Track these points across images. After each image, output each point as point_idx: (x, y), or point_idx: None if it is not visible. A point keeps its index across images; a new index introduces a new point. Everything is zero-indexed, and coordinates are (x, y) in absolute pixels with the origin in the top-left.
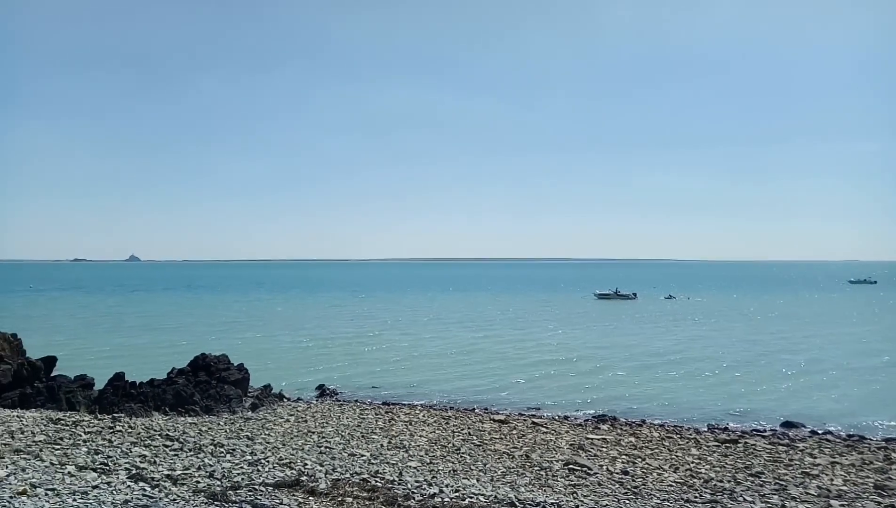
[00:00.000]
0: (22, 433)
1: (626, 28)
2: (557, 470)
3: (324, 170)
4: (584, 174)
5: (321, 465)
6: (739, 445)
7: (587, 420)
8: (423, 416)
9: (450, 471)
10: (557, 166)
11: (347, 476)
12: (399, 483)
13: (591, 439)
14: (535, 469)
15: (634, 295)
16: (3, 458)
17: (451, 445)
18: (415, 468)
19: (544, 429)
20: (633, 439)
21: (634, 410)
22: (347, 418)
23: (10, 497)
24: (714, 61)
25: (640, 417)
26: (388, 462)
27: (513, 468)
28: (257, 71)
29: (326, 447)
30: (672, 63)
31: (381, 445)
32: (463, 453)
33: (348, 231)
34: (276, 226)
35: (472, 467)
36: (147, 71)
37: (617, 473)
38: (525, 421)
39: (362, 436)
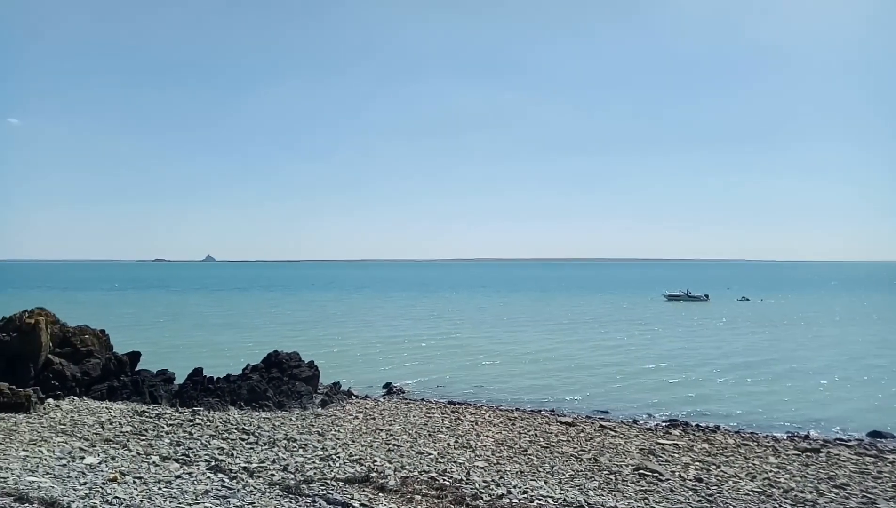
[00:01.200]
0: (111, 423)
1: (695, 25)
2: (627, 475)
3: (388, 172)
4: (649, 174)
5: (390, 462)
6: (822, 454)
7: (657, 424)
8: (489, 417)
9: (517, 472)
10: (621, 166)
11: (416, 473)
12: (467, 483)
13: (662, 444)
14: (605, 473)
15: (706, 296)
16: (95, 446)
17: (517, 446)
18: (482, 468)
19: (613, 433)
20: (706, 445)
21: (707, 415)
22: (414, 416)
23: (103, 483)
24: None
25: (714, 423)
26: (455, 462)
27: (581, 471)
28: (324, 75)
29: (394, 444)
30: (746, 58)
31: (448, 444)
32: (530, 454)
33: (413, 231)
34: (344, 227)
35: (540, 469)
36: (219, 79)
37: (690, 480)
38: (592, 424)
39: (429, 435)
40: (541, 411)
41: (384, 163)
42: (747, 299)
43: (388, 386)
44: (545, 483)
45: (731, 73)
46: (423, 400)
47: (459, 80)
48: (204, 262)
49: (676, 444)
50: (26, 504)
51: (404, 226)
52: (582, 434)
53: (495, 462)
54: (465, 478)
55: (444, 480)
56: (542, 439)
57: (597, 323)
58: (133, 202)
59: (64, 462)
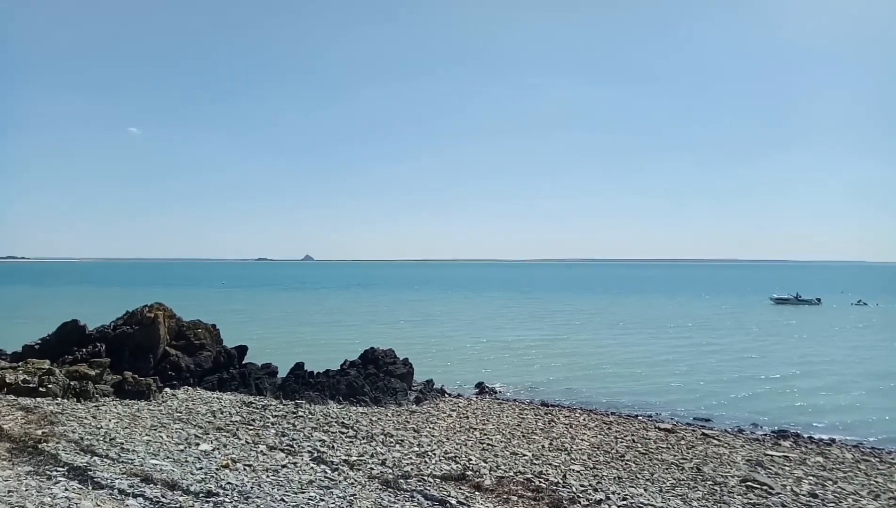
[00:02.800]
0: (222, 413)
1: (799, 15)
2: (734, 487)
3: (483, 172)
4: (753, 173)
5: (485, 461)
6: None
7: (765, 435)
8: (584, 420)
9: (615, 478)
10: (722, 164)
11: (511, 474)
12: (563, 486)
13: (771, 455)
14: (708, 483)
15: (818, 300)
16: (209, 434)
17: (614, 451)
18: (578, 471)
19: (716, 442)
20: (820, 459)
21: (821, 427)
22: (507, 417)
23: (217, 469)
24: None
25: (829, 436)
26: (550, 464)
27: (683, 480)
28: (417, 76)
29: (489, 444)
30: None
31: (543, 446)
32: (628, 460)
33: (504, 231)
34: (437, 226)
35: (639, 475)
36: (316, 82)
37: (804, 495)
38: (694, 431)
39: (523, 436)
40: (637, 416)
41: (477, 162)
42: (864, 303)
43: (480, 385)
44: (645, 490)
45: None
46: (515, 400)
47: (550, 78)
48: (303, 261)
49: (787, 456)
50: (150, 485)
51: (495, 226)
52: (682, 442)
53: (592, 466)
54: (561, 481)
55: (540, 482)
56: (639, 445)
57: (700, 327)
58: (238, 204)
59: (181, 447)
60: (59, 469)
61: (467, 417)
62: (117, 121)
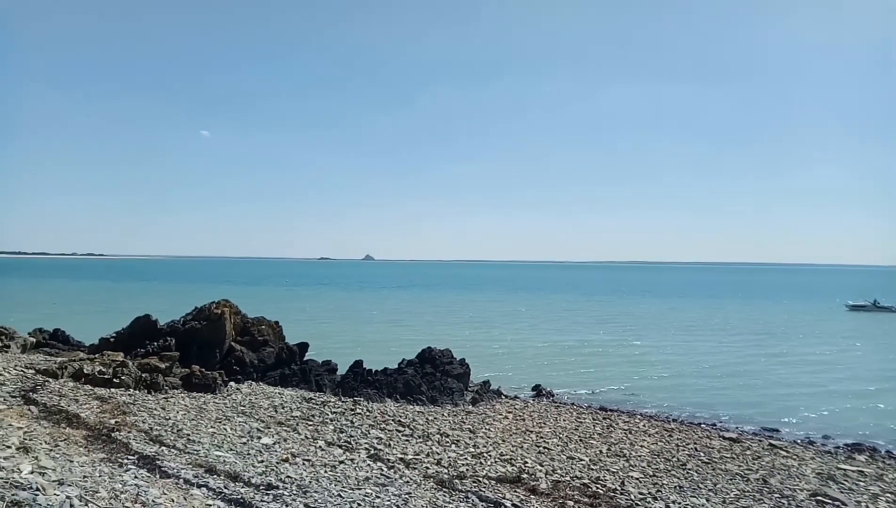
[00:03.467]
0: (283, 408)
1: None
2: (802, 501)
3: (548, 173)
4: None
5: (541, 465)
6: None
7: (838, 448)
8: (644, 426)
9: (675, 487)
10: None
11: (567, 478)
12: (621, 493)
13: (845, 469)
14: (775, 496)
15: None
16: (270, 428)
17: (675, 459)
18: (637, 479)
19: (784, 453)
20: None
21: None
22: (564, 420)
23: (277, 462)
24: None
25: None
26: (608, 470)
27: (748, 492)
28: (481, 78)
29: (545, 447)
30: None
31: (601, 451)
32: (689, 469)
33: (562, 232)
34: (497, 227)
35: (701, 485)
36: (378, 82)
37: None
38: (761, 442)
39: (580, 440)
40: (700, 424)
41: (544, 164)
42: None
43: (537, 387)
44: (707, 501)
45: None
46: (573, 404)
47: (621, 77)
48: (363, 261)
49: (862, 471)
50: (214, 476)
51: (553, 227)
52: (748, 452)
53: (651, 473)
54: (619, 488)
55: (598, 488)
56: (702, 454)
57: (773, 334)
58: (301, 204)
59: (244, 440)
60: (129, 457)
61: (524, 419)
62: (190, 124)
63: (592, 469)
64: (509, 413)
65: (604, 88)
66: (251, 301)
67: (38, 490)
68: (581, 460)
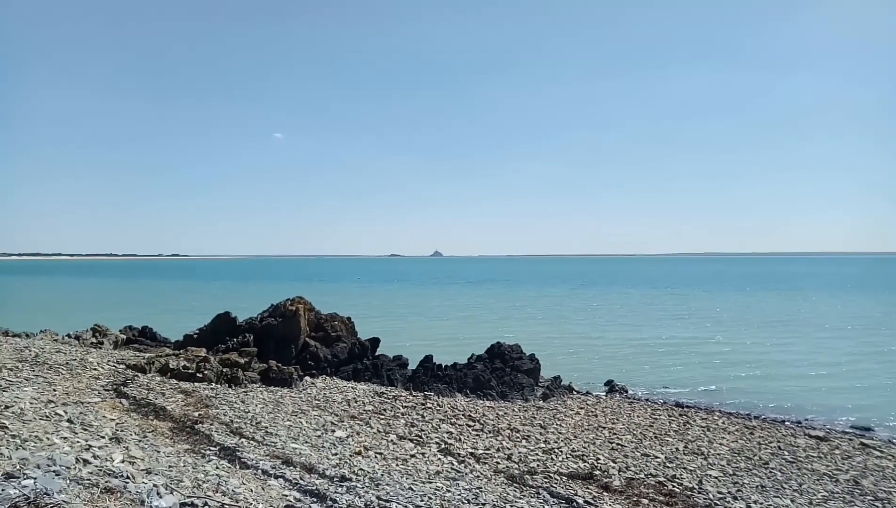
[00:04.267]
0: (356, 402)
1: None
2: None
3: (611, 168)
4: None
5: (614, 462)
6: None
7: None
8: (723, 423)
9: (757, 486)
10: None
11: (642, 476)
12: (699, 492)
13: None
14: (868, 498)
15: None
16: (343, 422)
17: (756, 458)
18: (716, 477)
19: (878, 453)
20: None
21: None
22: (638, 417)
23: (350, 455)
24: None
25: None
26: (685, 468)
27: (837, 493)
28: (543, 76)
29: (618, 444)
30: None
31: (677, 449)
32: (772, 468)
33: (641, 224)
34: (566, 222)
35: (785, 486)
36: (446, 81)
37: None
38: (851, 441)
39: (655, 437)
40: (784, 421)
41: (608, 159)
42: None
43: (609, 383)
44: (791, 501)
45: None
46: (647, 400)
47: (682, 68)
48: (432, 257)
49: None
50: (290, 468)
51: (629, 221)
52: (837, 452)
53: (731, 472)
54: (697, 487)
55: (674, 486)
56: (786, 452)
57: (867, 328)
58: (371, 202)
59: (319, 433)
60: (211, 448)
61: (596, 415)
62: (263, 128)
63: (668, 467)
64: (581, 408)
65: (677, 78)
66: (324, 298)
67: (128, 477)
68: (656, 457)
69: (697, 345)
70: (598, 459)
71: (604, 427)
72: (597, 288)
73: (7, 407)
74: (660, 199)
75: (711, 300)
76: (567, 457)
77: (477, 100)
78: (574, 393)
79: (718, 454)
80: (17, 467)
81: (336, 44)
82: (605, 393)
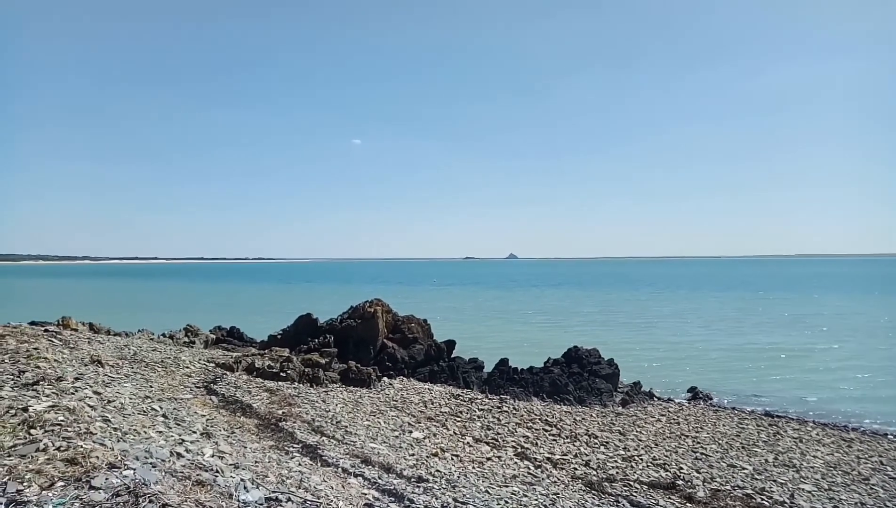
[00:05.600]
0: (432, 403)
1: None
2: None
3: (694, 160)
4: None
5: (697, 471)
6: None
7: None
8: (817, 434)
9: (856, 504)
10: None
11: (728, 487)
12: (791, 507)
13: None
14: None
15: None
16: (420, 423)
17: (855, 473)
18: (809, 492)
19: None
20: None
21: None
22: (724, 425)
23: (427, 456)
24: None
25: None
26: (775, 481)
27: None
28: (621, 66)
29: (702, 453)
30: None
31: (766, 460)
32: (874, 484)
33: (718, 225)
34: (647, 223)
35: (889, 503)
36: (519, 84)
37: None
38: None
39: (742, 447)
40: (887, 434)
41: (688, 150)
42: None
43: (693, 390)
44: None
45: None
46: (734, 408)
47: (771, 58)
48: (507, 260)
49: None
50: (369, 467)
51: (704, 220)
52: None
53: (826, 487)
54: (788, 501)
55: (763, 499)
56: (889, 468)
57: None
58: (446, 206)
59: (396, 434)
60: (294, 445)
61: (678, 423)
62: (343, 134)
63: (756, 479)
64: (662, 415)
65: (768, 68)
66: (401, 300)
67: (217, 471)
68: (744, 468)
69: (788, 352)
70: (681, 468)
71: (687, 436)
72: (684, 291)
73: (109, 402)
74: (759, 199)
75: (809, 304)
76: (648, 465)
77: (553, 102)
78: (655, 399)
79: (812, 467)
80: (119, 458)
81: (411, 51)
82: (687, 401)
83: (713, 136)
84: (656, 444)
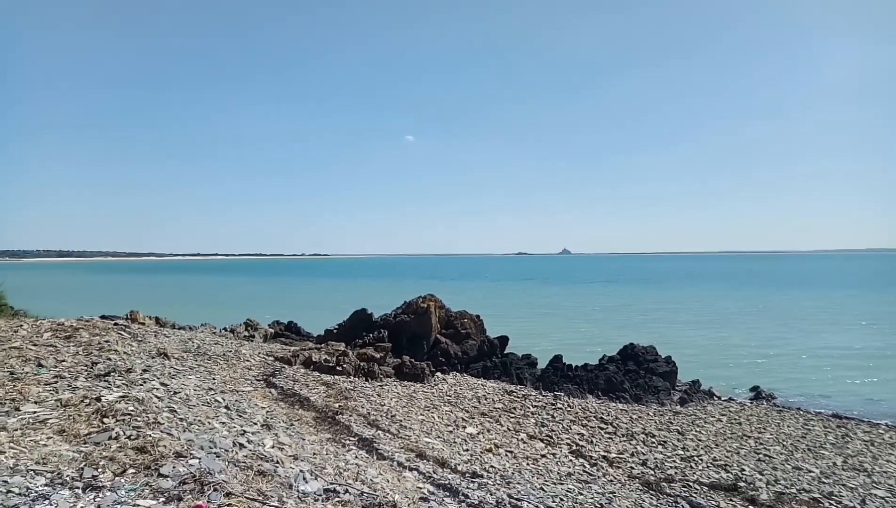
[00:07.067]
0: (486, 399)
1: None
2: None
3: (747, 157)
4: None
5: (760, 473)
6: None
7: None
8: (890, 437)
9: None
10: None
11: (793, 491)
12: None
13: None
14: None
15: None
16: (474, 419)
17: None
18: (882, 498)
19: None
20: None
21: None
22: (789, 426)
23: (481, 452)
24: None
25: None
26: (844, 485)
27: None
28: (669, 60)
29: (765, 455)
30: None
31: (834, 464)
32: None
33: (766, 219)
34: (703, 217)
35: None
36: (571, 79)
37: None
38: None
39: (808, 449)
40: None
41: (743, 148)
42: None
43: (755, 389)
44: None
45: None
46: (799, 409)
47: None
48: (560, 255)
49: None
50: (424, 461)
51: (759, 214)
52: None
53: None
54: (858, 506)
55: (831, 504)
56: None
57: None
58: (499, 201)
59: (450, 429)
60: (350, 438)
61: (740, 423)
62: (397, 131)
63: (824, 483)
64: (723, 415)
65: (827, 57)
66: (453, 295)
67: (278, 462)
68: (810, 471)
69: (860, 352)
70: (744, 470)
71: (749, 436)
72: (751, 288)
73: (175, 393)
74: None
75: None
76: (708, 466)
77: (606, 97)
78: (715, 398)
79: (885, 472)
80: (185, 447)
81: (464, 49)
82: (750, 400)
83: (773, 133)
84: (716, 444)
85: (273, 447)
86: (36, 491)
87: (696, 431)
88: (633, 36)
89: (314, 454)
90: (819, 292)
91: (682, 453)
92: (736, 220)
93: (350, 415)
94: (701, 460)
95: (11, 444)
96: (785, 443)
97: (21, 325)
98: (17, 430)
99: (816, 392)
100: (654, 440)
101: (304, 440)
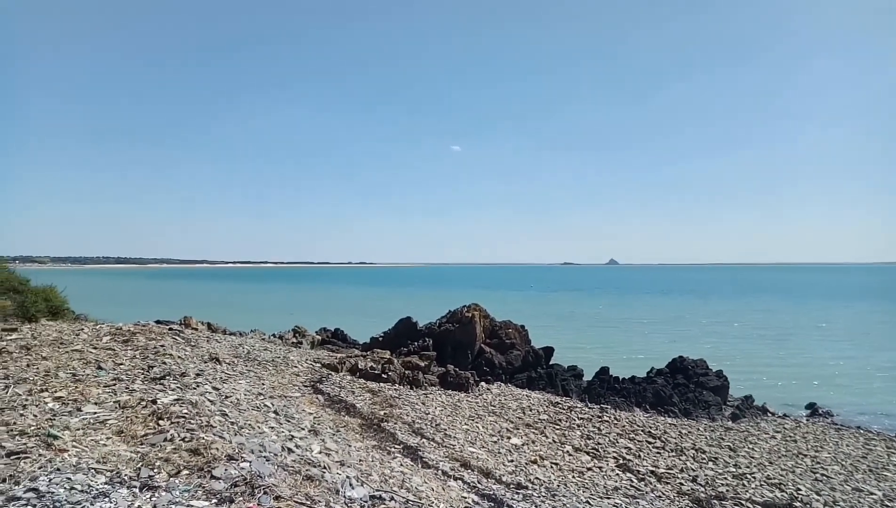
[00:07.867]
0: (531, 410)
1: None
2: None
3: (804, 162)
4: None
5: (818, 494)
6: None
7: None
8: None
9: None
10: None
11: None
12: None
13: None
14: None
15: None
16: (518, 429)
17: None
18: None
19: None
20: None
21: None
22: (848, 446)
23: (526, 463)
24: None
25: None
26: None
27: None
28: (731, 64)
29: (823, 474)
30: None
31: None
32: None
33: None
34: (760, 226)
35: None
36: (617, 85)
37: None
38: None
39: (869, 470)
40: None
41: (799, 153)
42: None
43: (811, 406)
44: None
45: None
46: (858, 427)
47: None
48: (607, 266)
49: None
50: (468, 471)
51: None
52: None
53: None
54: None
55: None
56: None
57: None
58: (544, 211)
59: (495, 439)
60: (396, 446)
61: (795, 441)
62: (443, 141)
63: (887, 506)
64: (777, 432)
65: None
66: (498, 305)
67: (325, 468)
68: (871, 493)
69: None
70: (799, 490)
71: (805, 455)
72: (818, 300)
73: (227, 398)
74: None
75: None
76: (761, 484)
77: (653, 101)
78: (768, 414)
79: None
80: (236, 451)
81: (513, 58)
82: (805, 417)
83: (834, 139)
84: (770, 462)
85: (320, 452)
86: (97, 489)
87: (748, 448)
88: (693, 40)
89: (360, 460)
90: (889, 306)
91: (734, 470)
92: (790, 229)
93: (395, 423)
94: (754, 478)
95: (74, 443)
96: (844, 463)
97: (82, 329)
98: (79, 430)
99: (879, 410)
100: (704, 456)
101: (350, 446)
